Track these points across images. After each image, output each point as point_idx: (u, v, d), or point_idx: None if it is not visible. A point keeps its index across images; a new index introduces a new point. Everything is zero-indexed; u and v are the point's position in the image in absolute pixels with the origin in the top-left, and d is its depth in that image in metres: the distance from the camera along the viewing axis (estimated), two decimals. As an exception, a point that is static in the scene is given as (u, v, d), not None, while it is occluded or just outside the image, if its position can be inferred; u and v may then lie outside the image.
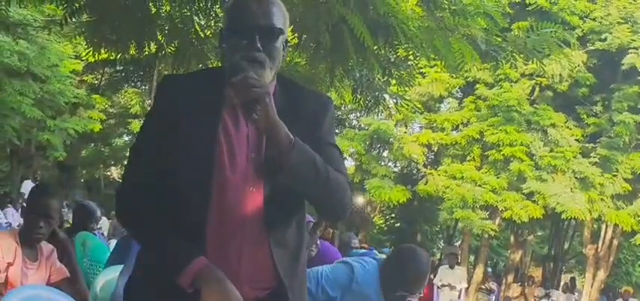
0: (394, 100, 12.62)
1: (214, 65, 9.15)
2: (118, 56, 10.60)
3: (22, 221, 5.16)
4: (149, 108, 2.84)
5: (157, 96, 2.80)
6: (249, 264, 2.67)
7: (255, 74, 2.49)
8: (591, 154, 21.81)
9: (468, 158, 23.85)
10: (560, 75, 21.50)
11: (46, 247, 4.88)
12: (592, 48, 21.85)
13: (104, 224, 17.19)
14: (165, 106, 2.71)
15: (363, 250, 9.04)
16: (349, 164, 25.87)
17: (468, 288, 22.87)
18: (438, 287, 21.60)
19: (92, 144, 31.13)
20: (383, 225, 35.50)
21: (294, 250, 2.80)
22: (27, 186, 7.02)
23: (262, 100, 2.46)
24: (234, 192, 2.65)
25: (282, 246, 2.72)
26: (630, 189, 21.27)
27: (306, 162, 2.60)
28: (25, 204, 6.66)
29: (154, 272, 2.62)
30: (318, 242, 6.85)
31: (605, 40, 21.49)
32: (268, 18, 2.65)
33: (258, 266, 2.69)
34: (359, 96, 9.39)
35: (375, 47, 7.32)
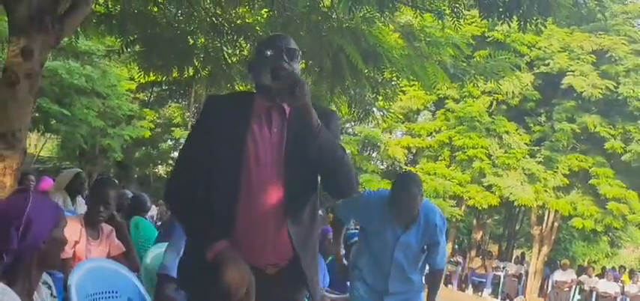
0: (381, 112, 12.64)
1: (240, 86, 9.15)
2: (164, 78, 10.63)
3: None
4: (195, 121, 2.95)
5: (202, 112, 2.90)
6: (273, 240, 2.78)
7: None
8: (537, 155, 21.79)
9: (440, 158, 23.84)
10: (512, 92, 21.47)
11: (106, 227, 4.89)
12: (538, 71, 21.82)
13: (153, 210, 17.21)
14: (208, 120, 2.82)
15: (357, 231, 9.00)
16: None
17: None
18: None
19: (143, 148, 31.04)
20: (372, 211, 35.35)
21: (308, 229, 2.89)
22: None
23: (303, 85, 2.61)
24: (260, 185, 2.76)
25: (297, 226, 2.83)
26: (568, 182, 21.27)
27: (329, 139, 2.74)
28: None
29: (198, 252, 2.69)
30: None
31: (548, 64, 21.48)
32: (290, 43, 2.84)
33: (280, 241, 2.79)
34: (353, 109, 9.39)
35: (366, 70, 7.32)
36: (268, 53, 2.79)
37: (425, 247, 4.76)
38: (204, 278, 2.72)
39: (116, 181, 5.24)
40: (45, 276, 2.82)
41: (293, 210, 2.82)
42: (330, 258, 6.97)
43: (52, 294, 2.84)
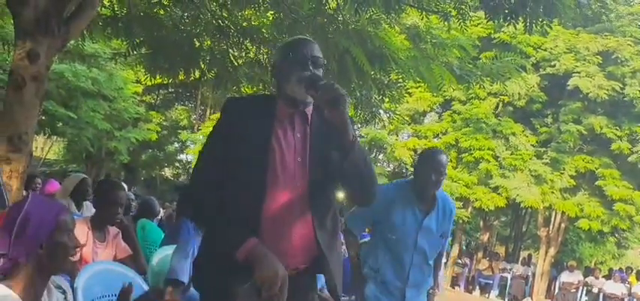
0: (387, 114, 12.60)
1: (246, 88, 9.15)
2: (170, 81, 10.63)
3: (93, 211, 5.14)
4: (216, 122, 2.91)
5: (223, 114, 2.89)
6: (299, 240, 2.79)
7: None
8: (543, 156, 21.73)
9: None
10: (518, 93, 21.42)
11: (113, 230, 4.88)
12: (544, 72, 21.76)
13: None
14: (231, 122, 2.82)
15: (364, 233, 8.98)
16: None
17: (446, 262, 22.83)
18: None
19: (150, 150, 31.08)
20: (379, 213, 35.31)
21: (332, 232, 2.92)
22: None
23: (344, 100, 2.61)
24: (285, 188, 2.77)
25: (323, 229, 2.85)
26: (574, 183, 21.19)
27: (362, 151, 2.79)
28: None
29: (216, 252, 2.76)
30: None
31: (555, 66, 21.42)
32: (316, 51, 2.88)
33: (305, 241, 2.81)
34: (360, 111, 9.37)
35: (372, 72, 7.32)
36: (295, 59, 2.81)
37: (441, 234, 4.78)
38: (225, 278, 2.72)
39: (123, 183, 5.24)
40: (60, 281, 2.80)
41: (319, 214, 2.85)
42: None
43: (66, 300, 2.81)
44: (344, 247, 5.20)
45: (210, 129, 2.92)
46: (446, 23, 7.22)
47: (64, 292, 2.79)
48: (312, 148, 2.85)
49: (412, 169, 24.18)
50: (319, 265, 2.86)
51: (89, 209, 6.97)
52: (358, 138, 2.74)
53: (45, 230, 2.47)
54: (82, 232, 4.49)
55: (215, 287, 2.81)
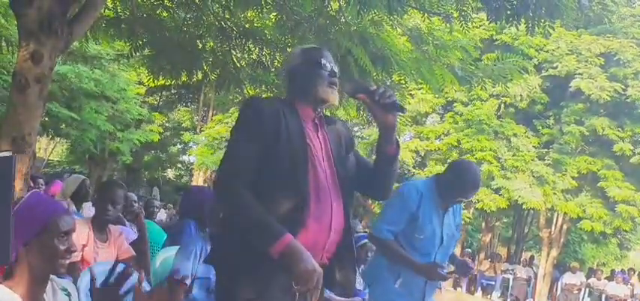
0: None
1: (249, 89, 9.16)
2: (173, 82, 10.65)
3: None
4: (242, 120, 2.92)
5: (249, 113, 2.91)
6: (336, 217, 2.92)
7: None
8: (545, 158, 21.74)
9: (448, 161, 23.71)
10: (520, 95, 21.45)
11: (115, 231, 4.89)
12: (546, 74, 21.77)
13: (162, 214, 17.22)
14: (260, 121, 2.85)
15: (366, 233, 8.98)
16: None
17: (448, 263, 22.78)
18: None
19: (152, 151, 31.15)
20: (381, 214, 35.34)
21: (350, 230, 3.06)
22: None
23: (398, 108, 2.93)
24: (324, 186, 2.91)
25: (348, 207, 3.02)
26: (576, 185, 21.19)
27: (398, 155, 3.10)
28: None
29: (246, 243, 2.76)
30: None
31: (556, 67, 21.43)
32: (333, 61, 3.06)
33: (339, 217, 2.95)
34: (362, 113, 9.38)
35: (374, 73, 7.31)
36: (326, 65, 2.97)
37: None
38: (259, 276, 2.77)
39: (123, 183, 5.22)
40: (65, 283, 2.78)
41: (345, 195, 3.00)
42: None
43: None
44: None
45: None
46: (448, 25, 7.23)
47: (68, 294, 2.74)
48: (333, 150, 3.02)
49: (414, 170, 24.22)
50: (348, 235, 3.03)
51: (89, 210, 6.98)
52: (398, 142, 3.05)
53: (32, 229, 2.44)
54: (82, 233, 4.49)
55: (248, 284, 2.82)
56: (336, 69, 3.00)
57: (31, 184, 7.15)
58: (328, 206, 2.89)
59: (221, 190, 2.90)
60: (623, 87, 20.31)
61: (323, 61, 2.95)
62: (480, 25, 19.92)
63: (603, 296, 19.96)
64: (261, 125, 2.82)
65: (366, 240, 8.39)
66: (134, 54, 8.56)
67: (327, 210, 2.88)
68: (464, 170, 4.70)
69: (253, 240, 2.74)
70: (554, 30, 6.77)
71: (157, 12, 8.11)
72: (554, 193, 20.94)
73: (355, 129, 26.95)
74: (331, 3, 7.35)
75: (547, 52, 21.89)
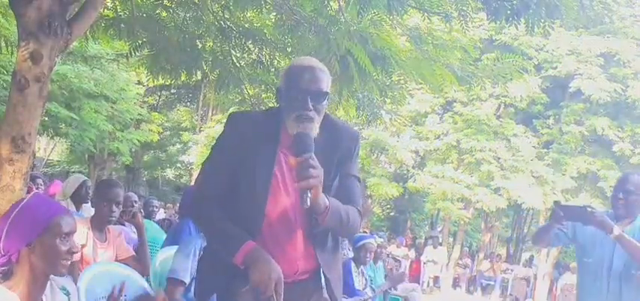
0: (389, 116, 12.60)
1: (248, 89, 9.16)
2: (172, 82, 10.63)
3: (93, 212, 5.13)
4: (221, 136, 2.96)
5: (227, 129, 2.92)
6: (300, 244, 2.90)
7: (306, 128, 2.71)
8: (545, 158, 21.76)
9: (448, 161, 23.77)
10: (520, 95, 21.41)
11: (114, 230, 4.88)
12: (545, 74, 21.77)
13: (161, 213, 17.21)
14: (233, 139, 2.87)
15: (365, 234, 9.01)
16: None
17: (448, 263, 22.87)
18: (424, 263, 21.61)
19: (152, 151, 31.16)
20: (380, 214, 35.42)
21: (331, 253, 3.02)
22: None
23: (316, 187, 2.62)
24: (285, 211, 2.86)
25: (323, 251, 2.96)
26: (576, 185, 21.22)
27: (337, 217, 2.80)
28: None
29: (218, 256, 2.84)
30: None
31: (556, 67, 21.44)
32: (317, 83, 2.79)
33: (303, 255, 2.92)
34: (361, 113, 9.37)
35: (374, 73, 7.30)
36: (295, 95, 2.77)
37: None
38: (226, 283, 2.85)
39: (120, 182, 5.23)
40: (66, 283, 2.79)
41: (319, 236, 2.93)
42: None
43: None
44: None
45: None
46: (447, 25, 7.23)
47: (68, 293, 2.77)
48: None
49: (414, 170, 24.24)
50: (319, 277, 2.98)
51: (87, 211, 6.96)
52: (330, 207, 2.73)
53: (34, 229, 2.45)
54: (81, 233, 4.49)
55: (217, 291, 2.94)
56: (313, 98, 2.76)
57: (31, 184, 7.14)
58: (290, 234, 2.88)
59: (193, 204, 2.99)
60: (623, 87, 20.31)
61: (294, 94, 2.77)
62: (480, 25, 19.93)
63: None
64: (232, 143, 2.87)
65: (366, 240, 8.41)
66: (133, 54, 8.55)
67: (286, 239, 2.88)
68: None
69: (220, 251, 2.82)
70: (553, 30, 6.76)
71: (157, 12, 8.10)
72: (554, 193, 20.94)
73: (355, 129, 26.98)
74: (331, 3, 7.34)
75: (547, 52, 21.89)
